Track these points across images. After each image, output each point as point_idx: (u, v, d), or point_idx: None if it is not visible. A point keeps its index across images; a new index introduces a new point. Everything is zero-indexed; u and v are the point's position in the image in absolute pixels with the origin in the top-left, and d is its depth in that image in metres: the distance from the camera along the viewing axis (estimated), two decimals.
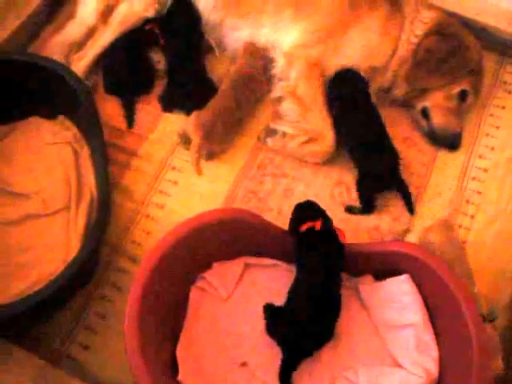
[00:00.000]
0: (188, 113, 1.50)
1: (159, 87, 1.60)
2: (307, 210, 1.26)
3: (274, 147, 1.50)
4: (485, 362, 1.06)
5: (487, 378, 1.05)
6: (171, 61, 1.60)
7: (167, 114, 1.56)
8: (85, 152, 1.44)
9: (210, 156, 1.49)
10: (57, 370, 1.18)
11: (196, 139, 1.41)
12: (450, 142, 1.52)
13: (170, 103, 1.56)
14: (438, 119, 1.52)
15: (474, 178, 1.49)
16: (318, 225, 1.21)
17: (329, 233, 1.22)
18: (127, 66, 1.55)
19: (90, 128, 1.40)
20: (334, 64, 1.53)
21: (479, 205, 1.45)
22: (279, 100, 1.53)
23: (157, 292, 1.15)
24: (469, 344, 1.08)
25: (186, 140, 1.47)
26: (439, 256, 1.21)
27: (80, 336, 1.28)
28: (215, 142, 1.45)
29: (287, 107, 1.51)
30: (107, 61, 1.59)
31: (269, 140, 1.50)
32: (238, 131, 1.53)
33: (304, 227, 1.22)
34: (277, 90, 1.55)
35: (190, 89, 1.53)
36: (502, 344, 1.21)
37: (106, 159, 1.37)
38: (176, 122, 1.54)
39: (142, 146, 1.51)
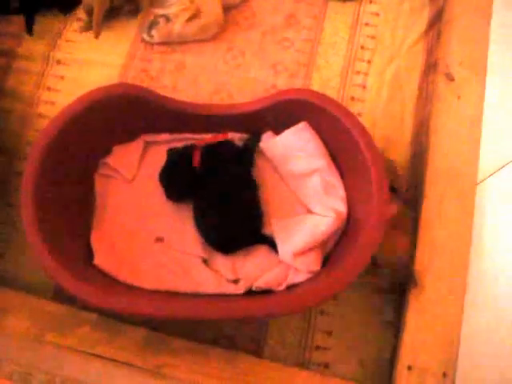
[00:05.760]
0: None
1: None
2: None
3: (161, 38, 1.42)
4: (383, 190, 1.07)
5: (386, 207, 1.07)
6: None
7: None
8: None
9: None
10: None
11: None
12: None
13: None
14: None
15: (367, 24, 1.47)
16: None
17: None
18: None
19: None
20: None
21: (374, 49, 1.44)
22: None
23: (54, 182, 1.11)
24: (368, 179, 1.09)
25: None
26: (334, 99, 1.21)
27: None
28: None
29: None
30: None
31: (154, 32, 1.41)
32: None
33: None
34: None
35: None
36: None
37: None
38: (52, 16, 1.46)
39: (21, 45, 1.43)
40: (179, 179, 1.20)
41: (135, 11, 1.44)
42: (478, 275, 1.12)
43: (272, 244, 1.16)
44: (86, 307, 1.14)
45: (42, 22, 1.45)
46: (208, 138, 1.23)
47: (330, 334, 1.19)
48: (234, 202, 1.16)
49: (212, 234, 1.17)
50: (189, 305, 1.02)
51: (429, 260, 1.13)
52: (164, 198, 1.23)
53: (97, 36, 1.41)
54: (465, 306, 1.11)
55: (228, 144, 1.22)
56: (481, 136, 1.23)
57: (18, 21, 1.44)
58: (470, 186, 1.18)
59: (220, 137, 1.22)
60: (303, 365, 1.16)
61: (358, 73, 1.41)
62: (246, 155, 1.22)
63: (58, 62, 1.41)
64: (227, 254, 1.18)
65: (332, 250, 1.16)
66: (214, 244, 1.18)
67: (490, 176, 1.13)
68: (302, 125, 1.21)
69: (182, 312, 1.00)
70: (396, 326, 1.17)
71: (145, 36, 1.43)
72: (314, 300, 1.01)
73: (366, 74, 1.41)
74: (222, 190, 1.16)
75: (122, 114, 1.21)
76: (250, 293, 1.12)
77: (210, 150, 1.20)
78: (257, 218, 1.19)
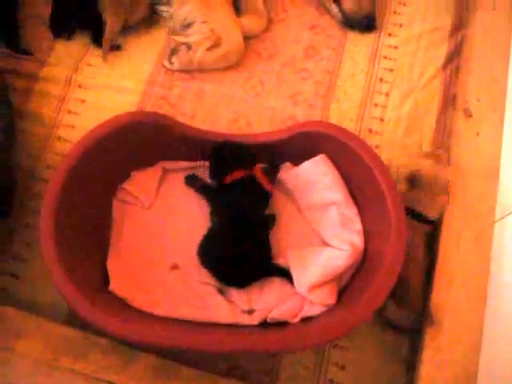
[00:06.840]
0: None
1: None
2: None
3: (181, 66, 1.43)
4: (400, 223, 1.08)
5: (403, 238, 1.07)
6: None
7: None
8: None
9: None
10: None
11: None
12: (364, 24, 1.50)
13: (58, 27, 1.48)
14: (348, 4, 1.48)
15: (385, 57, 1.48)
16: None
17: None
18: None
19: None
20: None
21: (392, 82, 1.45)
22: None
23: (74, 205, 1.12)
24: (385, 212, 1.09)
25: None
26: (352, 132, 1.22)
27: (9, 266, 1.25)
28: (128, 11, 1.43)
29: (189, 8, 1.43)
30: None
31: (174, 59, 1.43)
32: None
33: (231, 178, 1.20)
34: None
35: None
36: None
37: (5, 86, 1.31)
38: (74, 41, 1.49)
39: (43, 68, 1.44)
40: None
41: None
42: (495, 312, 1.11)
43: (287, 275, 1.16)
44: (99, 332, 1.13)
45: (64, 46, 1.48)
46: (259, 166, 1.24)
47: (343, 368, 1.18)
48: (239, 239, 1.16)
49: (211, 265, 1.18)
50: (202, 337, 1.01)
51: (446, 297, 1.13)
52: (180, 225, 1.24)
53: (104, 58, 1.44)
54: (482, 343, 1.09)
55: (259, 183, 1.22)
56: (499, 173, 1.23)
57: (44, 47, 1.47)
58: (487, 223, 1.18)
59: (260, 174, 1.23)
60: None
61: (376, 105, 1.42)
62: (268, 193, 1.22)
63: (80, 85, 1.43)
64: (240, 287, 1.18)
65: (348, 283, 1.15)
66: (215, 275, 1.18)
67: (508, 214, 1.13)
68: (320, 157, 1.22)
69: (195, 344, 0.99)
70: (410, 363, 1.16)
71: (166, 63, 1.44)
72: (329, 337, 1.00)
73: (384, 107, 1.42)
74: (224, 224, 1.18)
75: (143, 141, 1.21)
76: (264, 324, 1.12)
77: (247, 178, 1.20)
78: (265, 255, 1.18)
